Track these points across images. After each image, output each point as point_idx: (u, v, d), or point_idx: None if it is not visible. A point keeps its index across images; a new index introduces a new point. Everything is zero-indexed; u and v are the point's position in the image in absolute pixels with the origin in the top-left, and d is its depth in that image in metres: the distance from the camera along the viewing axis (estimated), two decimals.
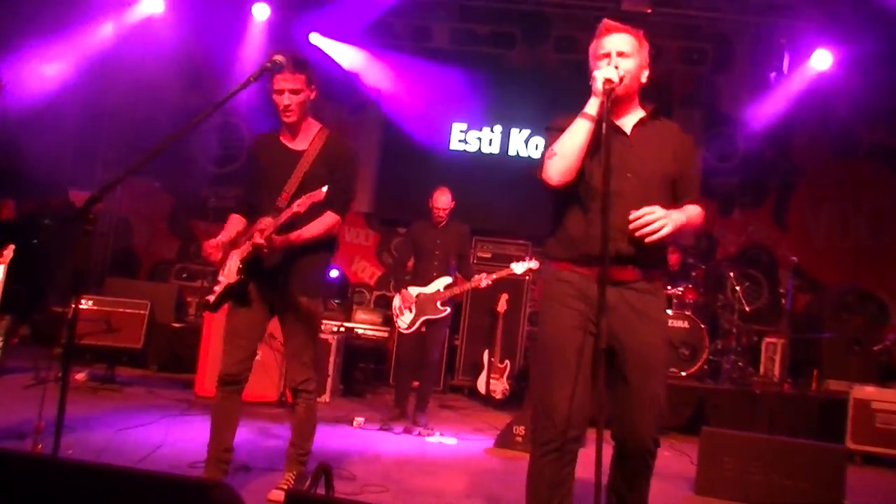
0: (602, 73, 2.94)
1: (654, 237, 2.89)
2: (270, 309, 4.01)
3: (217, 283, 3.96)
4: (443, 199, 6.58)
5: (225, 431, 3.92)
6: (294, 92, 3.85)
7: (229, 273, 3.87)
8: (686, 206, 3.08)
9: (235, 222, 4.09)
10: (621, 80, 2.95)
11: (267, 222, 3.76)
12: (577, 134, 2.99)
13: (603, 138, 2.86)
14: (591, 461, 2.70)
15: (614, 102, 2.97)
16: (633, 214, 2.89)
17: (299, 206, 3.63)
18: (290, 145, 4.00)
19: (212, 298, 3.95)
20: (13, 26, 8.30)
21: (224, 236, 3.97)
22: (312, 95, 3.95)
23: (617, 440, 3.04)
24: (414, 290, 6.49)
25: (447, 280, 6.51)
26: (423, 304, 6.45)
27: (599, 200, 2.84)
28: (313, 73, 3.93)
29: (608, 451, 2.90)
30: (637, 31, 3.14)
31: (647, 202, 2.95)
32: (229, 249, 3.92)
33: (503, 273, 6.61)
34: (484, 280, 6.45)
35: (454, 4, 9.57)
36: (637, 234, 2.90)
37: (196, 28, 9.74)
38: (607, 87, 2.90)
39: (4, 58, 7.85)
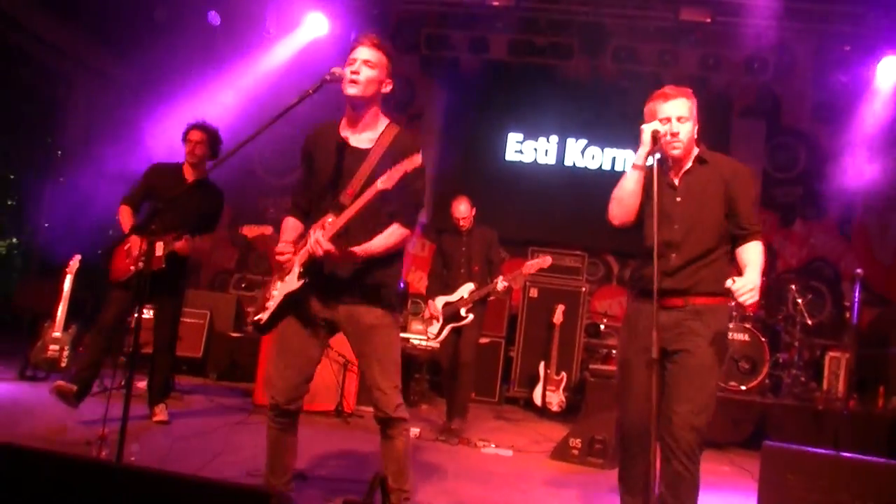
0: (650, 126, 3.43)
1: (750, 302, 3.21)
2: (330, 328, 3.51)
3: (268, 297, 3.46)
4: (461, 209, 6.61)
5: (286, 460, 3.54)
6: (369, 65, 3.37)
7: (288, 282, 3.37)
8: (753, 255, 3.43)
9: (292, 227, 3.59)
10: (663, 136, 3.43)
11: (330, 220, 3.31)
12: (628, 182, 3.52)
13: (655, 187, 3.32)
14: None
15: (674, 161, 3.51)
16: (733, 287, 3.19)
17: (385, 182, 3.15)
18: (352, 142, 3.47)
19: (265, 317, 3.43)
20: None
21: (287, 237, 3.52)
22: (387, 88, 3.46)
23: (661, 440, 3.36)
24: (440, 301, 6.55)
25: (471, 287, 6.52)
26: (448, 312, 6.49)
27: (651, 246, 3.35)
28: (393, 68, 3.48)
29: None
30: (689, 93, 3.54)
31: (694, 248, 3.45)
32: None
33: (517, 274, 6.63)
34: (500, 283, 6.41)
35: (512, 15, 9.56)
36: (739, 299, 3.20)
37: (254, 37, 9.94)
38: (655, 135, 3.40)
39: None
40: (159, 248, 5.28)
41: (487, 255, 6.68)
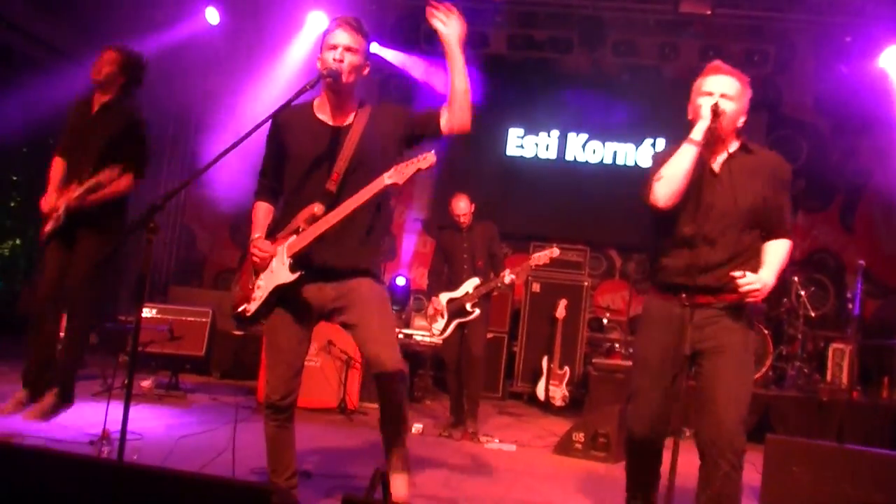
0: (709, 101, 3.22)
1: (748, 297, 3.19)
2: (319, 316, 3.47)
3: (254, 287, 3.37)
4: (461, 206, 6.62)
5: (286, 456, 3.53)
6: (351, 51, 3.30)
7: (277, 274, 3.29)
8: (775, 254, 3.32)
9: (264, 215, 3.55)
10: (723, 113, 3.18)
11: (316, 209, 3.25)
12: (684, 158, 3.22)
13: (701, 162, 3.22)
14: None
15: (709, 143, 3.24)
16: (740, 280, 3.12)
17: (393, 177, 3.13)
18: (331, 123, 3.41)
19: (251, 308, 3.35)
20: None
21: (260, 231, 3.48)
22: (365, 71, 3.41)
23: (700, 446, 3.26)
24: (445, 297, 6.55)
25: (476, 282, 6.52)
26: (453, 308, 6.49)
27: (684, 236, 3.26)
28: (369, 52, 3.44)
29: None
30: (743, 78, 3.35)
31: (731, 243, 3.26)
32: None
33: (525, 266, 6.65)
34: (507, 276, 6.42)
35: (511, 10, 9.55)
36: (739, 289, 3.14)
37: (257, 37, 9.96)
38: (716, 109, 3.17)
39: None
40: (61, 204, 4.78)
41: (490, 250, 6.68)
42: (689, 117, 3.37)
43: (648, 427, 3.39)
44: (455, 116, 3.30)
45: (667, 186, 3.24)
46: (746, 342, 3.34)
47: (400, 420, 3.41)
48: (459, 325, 6.48)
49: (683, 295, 3.23)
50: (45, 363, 4.92)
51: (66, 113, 5.06)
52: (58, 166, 4.97)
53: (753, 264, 3.26)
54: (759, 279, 3.15)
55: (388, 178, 3.14)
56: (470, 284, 6.51)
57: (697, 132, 3.21)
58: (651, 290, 3.54)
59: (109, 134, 4.87)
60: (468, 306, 6.43)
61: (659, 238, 3.42)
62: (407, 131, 3.42)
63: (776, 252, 3.33)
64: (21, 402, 4.81)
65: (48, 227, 4.85)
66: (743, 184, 3.27)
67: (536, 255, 6.62)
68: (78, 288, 4.86)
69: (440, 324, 6.52)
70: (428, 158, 3.09)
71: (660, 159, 3.38)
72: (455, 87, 3.30)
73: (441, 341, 6.68)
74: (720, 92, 3.26)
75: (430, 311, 6.61)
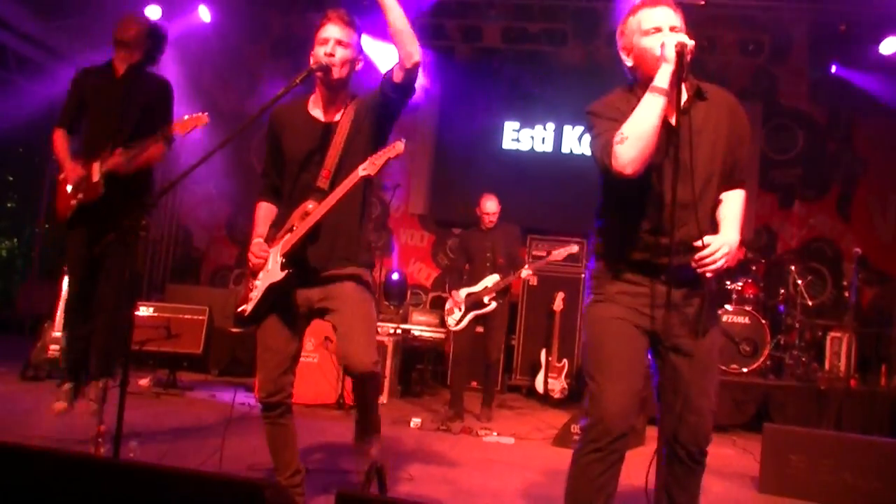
0: (673, 38, 2.61)
1: (711, 269, 2.65)
2: (309, 316, 3.45)
3: (251, 288, 3.40)
4: (490, 205, 6.85)
5: (286, 455, 3.49)
6: (342, 45, 3.30)
7: (272, 272, 3.31)
8: (732, 208, 2.84)
9: (265, 216, 3.55)
10: (690, 52, 2.59)
11: (311, 206, 3.27)
12: (651, 112, 2.60)
13: (677, 107, 2.66)
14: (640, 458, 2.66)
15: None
16: (700, 254, 2.62)
17: (367, 169, 3.15)
18: (322, 119, 3.42)
19: (249, 308, 3.37)
20: None
21: (260, 230, 3.50)
22: (358, 66, 3.41)
23: (668, 440, 2.79)
24: (464, 292, 6.77)
25: (496, 278, 6.73)
26: (471, 301, 6.71)
27: (650, 202, 2.73)
28: (362, 46, 3.43)
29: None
30: (678, 8, 2.83)
31: (706, 209, 2.77)
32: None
33: (545, 261, 7.04)
34: (525, 271, 6.72)
35: (505, 3, 9.53)
36: (699, 267, 2.65)
37: (249, 35, 9.94)
38: (682, 49, 2.56)
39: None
40: (95, 171, 4.43)
41: (509, 249, 6.92)
42: (631, 64, 2.87)
43: (624, 409, 2.76)
44: (402, 53, 3.19)
45: (634, 148, 2.60)
46: (720, 326, 2.98)
47: (367, 425, 3.41)
48: (475, 322, 6.74)
49: (662, 277, 2.74)
50: (83, 359, 4.76)
51: (74, 82, 4.71)
52: (62, 139, 4.65)
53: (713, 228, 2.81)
54: (725, 241, 2.65)
55: (362, 170, 3.16)
56: (489, 280, 6.73)
57: (662, 78, 2.60)
58: (609, 267, 2.88)
59: (145, 101, 4.63)
60: (485, 299, 6.66)
61: (621, 210, 2.85)
62: (373, 112, 3.38)
63: (733, 205, 2.85)
64: (69, 395, 4.70)
65: (76, 199, 4.47)
66: (708, 137, 2.76)
67: (556, 251, 6.94)
68: (112, 302, 4.67)
69: (456, 315, 6.74)
70: (396, 147, 3.13)
71: (604, 114, 2.82)
72: (393, 26, 3.17)
73: (454, 332, 6.98)
74: (668, 26, 2.72)
75: (449, 304, 6.85)
